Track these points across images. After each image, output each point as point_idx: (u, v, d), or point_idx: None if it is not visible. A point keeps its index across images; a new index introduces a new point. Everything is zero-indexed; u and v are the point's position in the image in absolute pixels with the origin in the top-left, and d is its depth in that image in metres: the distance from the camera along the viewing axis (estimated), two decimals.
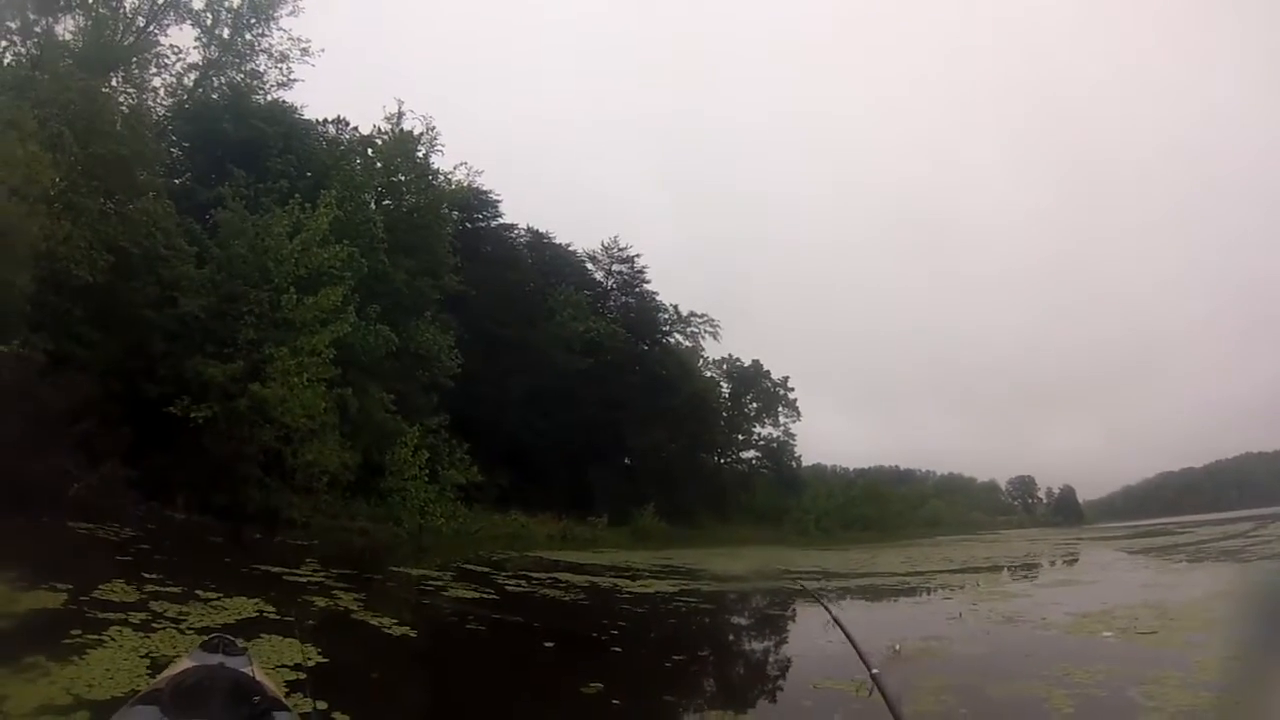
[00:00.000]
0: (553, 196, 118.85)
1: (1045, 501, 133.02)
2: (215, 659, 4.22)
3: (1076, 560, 37.35)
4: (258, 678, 4.00)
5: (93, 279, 21.11)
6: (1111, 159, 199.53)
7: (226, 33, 33.28)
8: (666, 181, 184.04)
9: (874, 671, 3.45)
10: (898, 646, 12.32)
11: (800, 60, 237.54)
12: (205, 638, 5.03)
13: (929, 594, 22.52)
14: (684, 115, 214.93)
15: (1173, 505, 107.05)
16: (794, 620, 18.77)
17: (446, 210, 38.73)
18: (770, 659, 14.01)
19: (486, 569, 21.81)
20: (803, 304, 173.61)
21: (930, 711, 8.70)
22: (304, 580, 15.34)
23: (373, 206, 34.88)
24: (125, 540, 16.82)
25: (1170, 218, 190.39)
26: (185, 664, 4.23)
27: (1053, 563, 36.42)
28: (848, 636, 4.17)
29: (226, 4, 32.73)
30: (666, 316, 57.04)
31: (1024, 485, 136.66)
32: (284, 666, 8.03)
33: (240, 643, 4.81)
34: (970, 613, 16.68)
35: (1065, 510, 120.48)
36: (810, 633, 15.83)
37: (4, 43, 25.44)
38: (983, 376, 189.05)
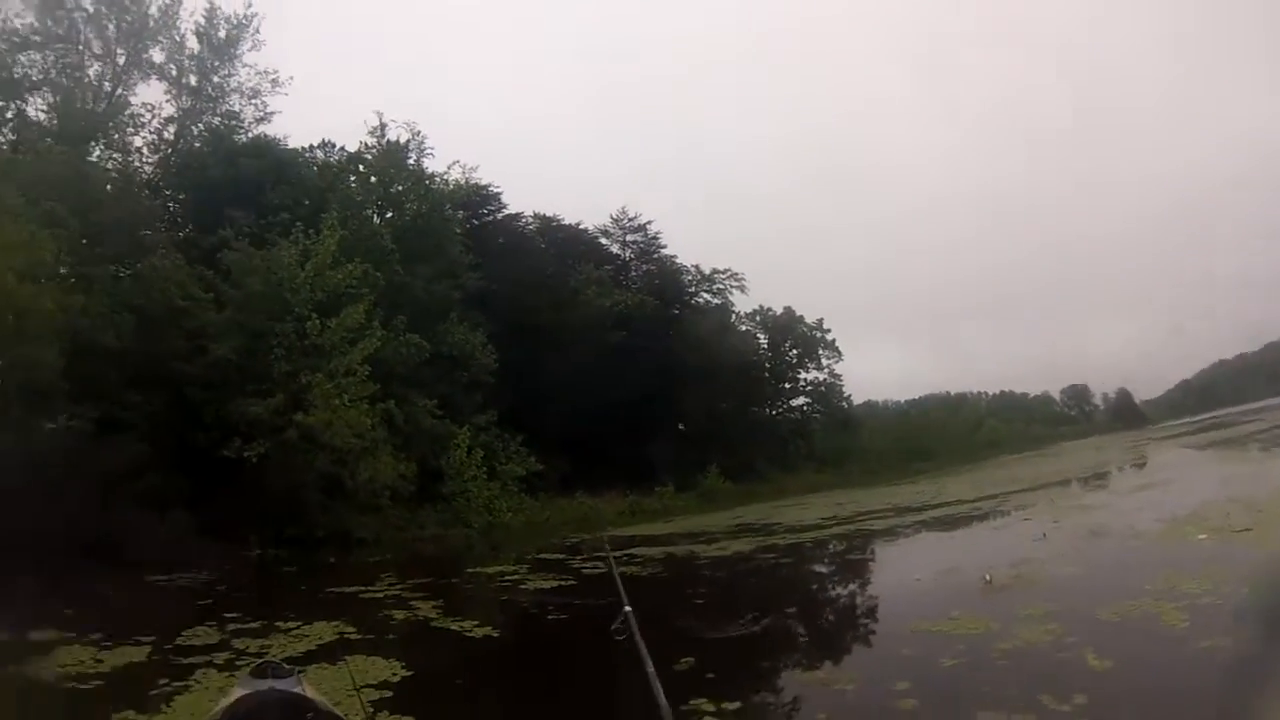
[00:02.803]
0: (555, 180, 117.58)
1: (1102, 407, 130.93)
2: (265, 684, 4.16)
3: (1145, 463, 36.53)
4: (309, 695, 4.00)
5: (121, 343, 21.72)
6: None
7: (194, 80, 33.33)
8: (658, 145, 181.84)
9: (627, 609, 3.28)
10: (988, 577, 11.90)
11: None
12: (254, 664, 5.03)
13: (1005, 517, 21.87)
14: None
15: (1234, 394, 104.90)
16: (876, 562, 18.45)
17: (450, 211, 38.62)
18: (861, 607, 13.42)
19: (561, 555, 21.56)
20: (825, 243, 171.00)
21: (1040, 642, 8.28)
22: (381, 596, 15.31)
23: (376, 220, 35.01)
24: (203, 585, 17.16)
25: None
26: (238, 693, 4.24)
27: (1121, 469, 35.67)
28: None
29: (187, 52, 32.77)
30: (690, 277, 56.11)
31: (1078, 393, 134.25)
32: (369, 686, 8.00)
33: (287, 665, 4.80)
34: (1053, 531, 16.09)
35: (1124, 413, 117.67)
36: (898, 573, 15.56)
37: None
38: (1020, 286, 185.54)
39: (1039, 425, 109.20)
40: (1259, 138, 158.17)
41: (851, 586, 15.62)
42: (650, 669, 2.99)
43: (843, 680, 8.24)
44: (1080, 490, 27.65)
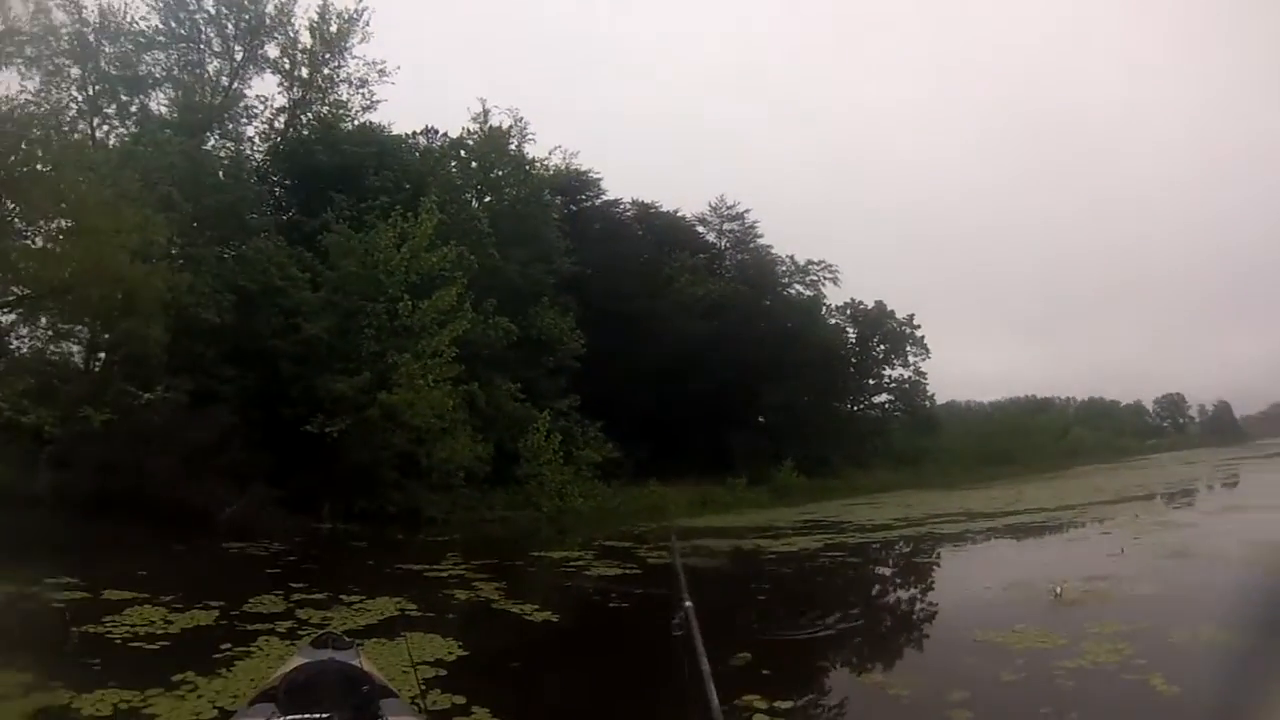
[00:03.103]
0: (657, 165, 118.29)
1: (1197, 420, 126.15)
2: (324, 654, 4.46)
3: (1238, 483, 35.09)
4: (365, 668, 4.24)
5: (220, 320, 23.02)
6: None
7: (305, 72, 34.51)
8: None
9: (688, 605, 3.22)
10: (1059, 589, 11.55)
11: None
12: (315, 634, 5.17)
13: (1083, 529, 21.32)
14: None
15: None
16: (943, 567, 18.04)
17: (549, 196, 39.25)
18: (923, 612, 13.17)
19: (628, 544, 21.66)
20: (919, 240, 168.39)
21: (1107, 663, 8.00)
22: (445, 575, 15.69)
23: (475, 205, 35.71)
24: (274, 554, 17.87)
25: None
26: (297, 661, 4.49)
27: (1211, 487, 34.32)
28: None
29: (300, 46, 33.93)
30: (784, 268, 55.57)
31: (1173, 404, 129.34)
32: (424, 663, 8.18)
33: (347, 638, 5.13)
34: (1133, 547, 15.73)
35: (1221, 428, 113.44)
36: (964, 580, 15.17)
37: (106, 126, 27.76)
38: (1117, 290, 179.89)
39: (1128, 436, 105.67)
40: None
41: (915, 591, 15.30)
42: (705, 667, 2.95)
43: (898, 685, 8.09)
44: (1165, 507, 26.89)
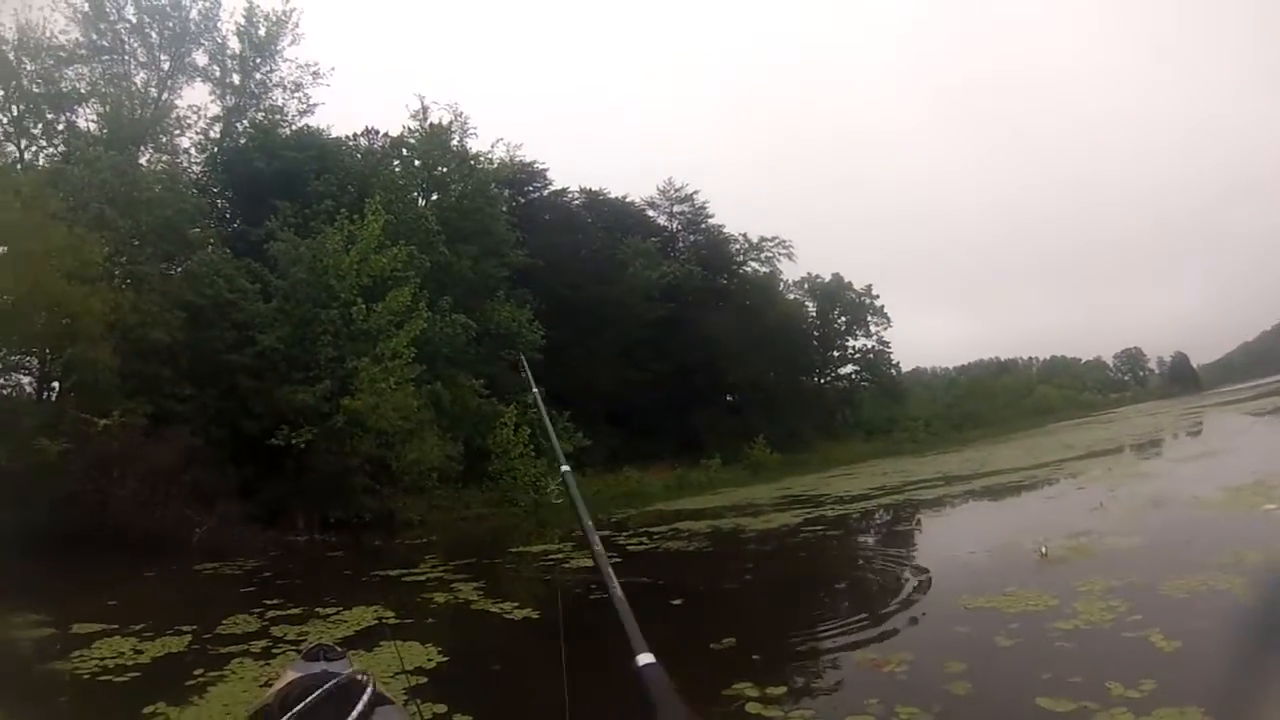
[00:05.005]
0: (602, 151, 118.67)
1: (1157, 372, 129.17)
2: (317, 667, 4.15)
3: (1201, 430, 35.67)
4: (360, 678, 3.91)
5: (172, 338, 22.41)
6: None
7: (237, 78, 34.22)
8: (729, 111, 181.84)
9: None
10: (1044, 549, 11.41)
11: None
12: (306, 648, 4.99)
13: (1058, 485, 21.32)
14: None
15: None
16: (925, 534, 17.91)
17: (496, 190, 38.90)
18: (911, 581, 12.63)
19: (607, 532, 21.32)
20: (874, 209, 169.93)
21: (1101, 621, 7.83)
22: (423, 578, 15.42)
23: (421, 203, 35.32)
24: (248, 572, 17.51)
25: None
26: (290, 676, 4.16)
27: (1176, 435, 34.87)
28: None
29: (229, 52, 33.60)
30: (738, 246, 55.71)
31: (1132, 358, 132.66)
32: (405, 672, 7.84)
33: (339, 648, 4.74)
34: (1111, 500, 15.53)
35: (1180, 378, 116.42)
36: (949, 545, 15.06)
37: (34, 147, 26.54)
38: (1073, 250, 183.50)
39: (1091, 391, 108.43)
40: None
41: (901, 560, 14.92)
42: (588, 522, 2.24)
43: (893, 661, 7.74)
44: (1136, 458, 27.10)
